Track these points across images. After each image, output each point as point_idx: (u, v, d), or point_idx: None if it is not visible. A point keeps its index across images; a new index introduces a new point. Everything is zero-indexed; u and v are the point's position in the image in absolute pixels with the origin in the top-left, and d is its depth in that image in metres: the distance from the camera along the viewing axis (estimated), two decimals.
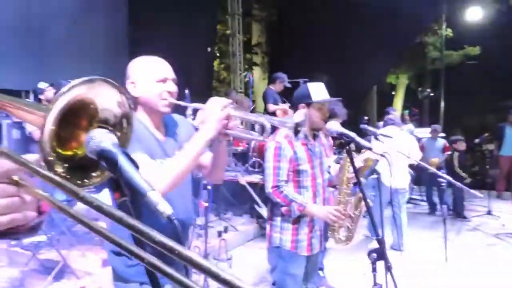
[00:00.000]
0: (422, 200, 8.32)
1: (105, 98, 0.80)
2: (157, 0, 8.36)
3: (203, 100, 1.77)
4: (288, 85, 6.84)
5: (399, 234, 5.31)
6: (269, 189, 2.58)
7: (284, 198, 2.55)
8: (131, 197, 0.79)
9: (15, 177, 0.67)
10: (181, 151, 1.65)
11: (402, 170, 5.20)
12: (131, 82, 1.74)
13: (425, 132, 8.93)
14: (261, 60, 13.49)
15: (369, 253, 1.95)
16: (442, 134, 8.61)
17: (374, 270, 1.93)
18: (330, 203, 2.82)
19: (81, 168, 0.78)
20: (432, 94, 17.00)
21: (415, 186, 8.60)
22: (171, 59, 1.86)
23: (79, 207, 0.80)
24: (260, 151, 6.80)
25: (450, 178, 3.05)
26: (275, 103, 6.63)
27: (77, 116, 0.78)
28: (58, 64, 6.82)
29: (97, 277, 3.92)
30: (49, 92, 4.65)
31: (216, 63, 13.32)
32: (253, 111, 8.17)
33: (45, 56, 6.68)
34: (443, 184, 4.53)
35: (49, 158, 0.72)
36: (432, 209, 7.68)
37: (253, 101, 10.49)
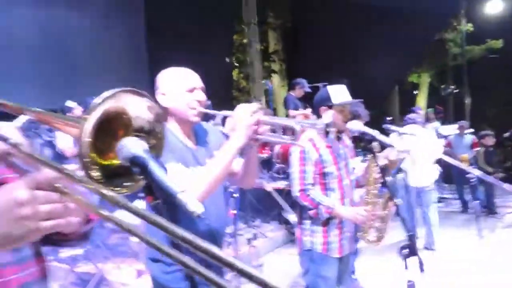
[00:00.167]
0: (453, 199, 8.12)
1: (136, 106, 0.84)
2: (173, 16, 8.56)
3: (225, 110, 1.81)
4: (308, 90, 6.86)
5: (429, 233, 5.20)
6: (296, 193, 2.59)
7: (311, 201, 2.55)
8: (166, 203, 0.83)
9: (58, 185, 0.72)
10: (213, 159, 1.68)
11: (426, 168, 5.11)
12: (161, 93, 1.79)
13: (451, 129, 8.73)
14: (279, 67, 13.54)
15: (400, 250, 1.93)
16: (470, 130, 8.40)
17: (406, 267, 1.91)
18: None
19: (116, 176, 0.82)
20: (456, 91, 16.61)
21: (446, 185, 8.40)
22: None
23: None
24: (284, 157, 6.80)
25: (479, 173, 2.98)
26: (296, 108, 6.65)
27: (113, 127, 0.83)
28: (82, 82, 7.06)
29: None
30: (77, 110, 4.81)
31: (235, 72, 13.46)
32: None
33: (69, 75, 6.93)
34: (473, 180, 4.42)
35: (87, 166, 0.77)
36: (465, 207, 7.48)
37: (274, 109, 10.52)
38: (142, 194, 0.89)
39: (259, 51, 11.27)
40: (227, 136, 1.74)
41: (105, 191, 0.70)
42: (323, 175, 2.61)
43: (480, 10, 14.23)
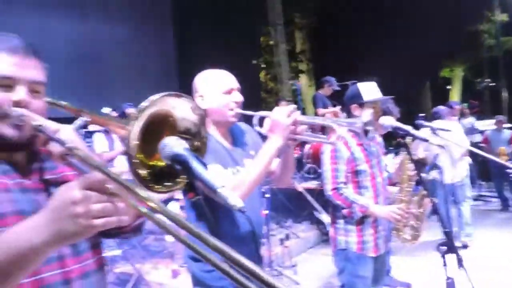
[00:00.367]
0: (492, 196, 7.81)
1: (181, 109, 0.89)
2: (201, 20, 8.70)
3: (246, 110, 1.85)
4: (337, 88, 6.81)
5: (463, 230, 5.09)
6: (328, 191, 2.58)
7: (345, 200, 2.54)
8: (207, 201, 0.86)
9: (109, 187, 0.77)
10: (253, 160, 1.72)
11: (456, 163, 4.98)
12: (199, 96, 1.84)
13: (488, 124, 8.43)
14: (306, 67, 13.49)
15: (438, 246, 1.89)
16: (508, 125, 8.07)
17: (444, 264, 1.87)
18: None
19: (162, 176, 0.87)
20: (492, 84, 15.99)
21: (483, 182, 8.11)
22: None
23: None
24: (314, 157, 6.78)
25: None
26: (325, 107, 6.61)
27: (159, 129, 0.88)
28: (115, 89, 7.30)
29: None
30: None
31: (262, 74, 13.51)
32: None
33: (103, 83, 7.17)
34: None
35: (134, 166, 0.82)
36: (504, 205, 7.19)
37: (303, 109, 10.49)
38: (176, 197, 0.94)
39: (286, 51, 11.28)
40: (264, 137, 1.78)
41: (151, 203, 0.75)
42: (356, 173, 2.59)
43: None
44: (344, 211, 2.59)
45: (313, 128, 1.82)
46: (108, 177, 0.78)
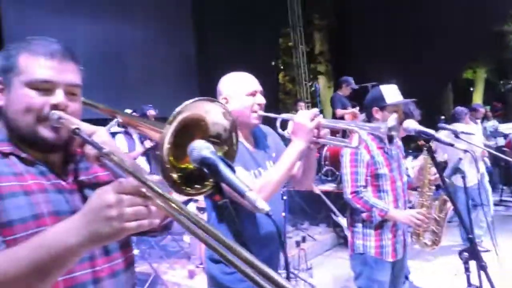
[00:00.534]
0: None
1: (213, 114, 0.91)
2: (220, 22, 8.75)
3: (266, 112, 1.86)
4: (355, 87, 6.74)
5: (484, 234, 5.00)
6: (348, 195, 2.57)
7: (364, 203, 2.52)
8: (232, 204, 0.88)
9: (143, 190, 0.80)
10: (276, 163, 1.73)
11: (473, 166, 4.89)
12: (223, 98, 1.86)
13: None
14: (325, 69, 13.42)
15: (460, 253, 1.86)
16: None
17: (467, 270, 1.84)
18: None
19: (192, 178, 0.89)
20: None
21: (504, 187, 7.91)
22: None
23: None
24: (332, 159, 6.74)
25: None
26: (344, 107, 6.56)
27: (191, 133, 0.90)
28: (135, 90, 7.40)
29: None
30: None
31: (280, 75, 13.51)
32: None
33: (123, 83, 7.29)
34: None
35: (166, 168, 0.84)
36: None
37: (321, 111, 10.43)
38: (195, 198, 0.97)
39: (304, 53, 11.25)
40: (284, 139, 1.79)
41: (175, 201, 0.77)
42: (375, 177, 2.57)
43: None
44: (363, 215, 2.57)
45: (332, 131, 1.82)
46: (140, 181, 0.81)
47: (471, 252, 1.80)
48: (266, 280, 0.63)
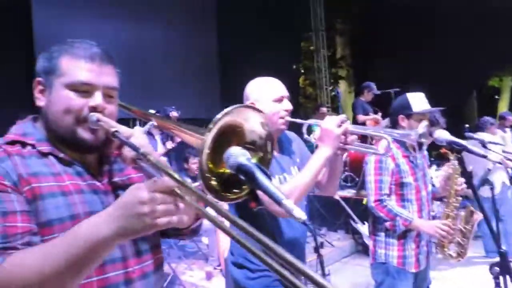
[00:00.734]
0: None
1: (251, 122, 0.92)
2: (244, 23, 8.78)
3: (291, 117, 1.86)
4: (377, 92, 6.67)
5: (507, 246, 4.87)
6: (371, 203, 2.54)
7: (388, 212, 2.49)
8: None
9: (174, 189, 0.83)
10: (302, 169, 1.73)
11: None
12: (250, 103, 1.87)
13: None
14: (346, 73, 13.33)
15: (491, 267, 1.81)
16: None
17: (497, 285, 1.79)
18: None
19: (229, 184, 0.90)
20: None
21: None
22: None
23: None
24: (353, 165, 6.67)
25: None
26: (366, 113, 6.49)
27: (228, 139, 0.91)
28: (158, 92, 7.48)
29: None
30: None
31: (301, 79, 13.47)
32: None
33: (146, 84, 7.38)
34: None
35: (206, 175, 0.85)
36: None
37: None
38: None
39: (326, 57, 11.19)
40: (308, 145, 1.79)
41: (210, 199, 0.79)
42: (400, 185, 2.53)
43: None
44: (386, 224, 2.54)
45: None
46: (176, 181, 0.83)
47: (503, 266, 1.75)
48: (310, 281, 0.62)
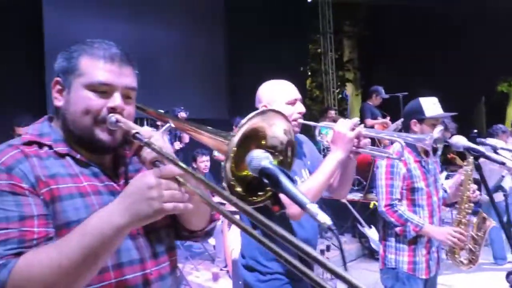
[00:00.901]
0: None
1: (275, 127, 0.92)
2: (252, 24, 8.80)
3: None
4: (386, 96, 6.66)
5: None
6: (382, 207, 2.52)
7: (399, 217, 2.47)
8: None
9: (179, 177, 0.88)
10: (315, 171, 1.72)
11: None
12: (263, 105, 1.86)
13: None
14: (353, 76, 13.30)
15: (508, 275, 1.79)
16: None
17: None
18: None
19: (252, 188, 0.89)
20: None
21: None
22: (265, 81, 1.97)
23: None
24: (360, 169, 6.63)
25: None
26: (374, 117, 6.47)
27: (249, 143, 0.91)
28: (166, 92, 7.50)
29: None
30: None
31: (308, 81, 13.46)
32: None
33: (153, 84, 7.40)
34: None
35: (230, 178, 0.85)
36: None
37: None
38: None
39: (333, 60, 11.18)
40: (324, 148, 1.78)
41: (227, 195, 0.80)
42: (412, 190, 2.51)
43: None
44: (397, 229, 2.51)
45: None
46: (182, 171, 0.87)
47: None
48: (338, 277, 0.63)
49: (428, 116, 2.48)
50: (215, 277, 4.30)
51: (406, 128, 2.65)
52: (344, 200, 5.94)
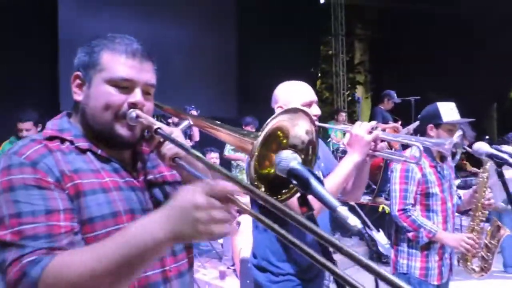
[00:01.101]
0: None
1: (299, 128, 0.91)
2: (263, 26, 8.80)
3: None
4: (398, 101, 6.64)
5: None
6: (395, 211, 2.50)
7: (412, 223, 2.45)
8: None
9: (230, 195, 0.79)
10: (331, 174, 1.72)
11: None
12: (278, 106, 1.86)
13: None
14: (363, 79, 13.26)
15: None
16: None
17: None
18: None
19: (274, 186, 0.89)
20: None
21: None
22: (275, 81, 1.96)
23: None
24: (369, 172, 6.60)
25: None
26: (385, 121, 6.44)
27: (270, 141, 0.90)
28: (176, 90, 7.52)
29: None
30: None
31: (318, 83, 13.43)
32: None
33: (167, 83, 7.42)
34: None
35: (254, 177, 0.84)
36: None
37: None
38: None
39: (345, 62, 11.15)
40: (338, 151, 1.77)
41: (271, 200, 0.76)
42: (426, 195, 2.49)
43: None
44: (409, 234, 2.49)
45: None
46: (238, 188, 0.79)
47: None
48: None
49: (445, 121, 2.45)
50: (222, 276, 4.30)
51: (421, 132, 2.62)
52: (352, 203, 5.92)
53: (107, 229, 0.98)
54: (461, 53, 10.02)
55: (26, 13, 6.18)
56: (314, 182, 0.80)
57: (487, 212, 2.52)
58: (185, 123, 1.22)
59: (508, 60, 9.71)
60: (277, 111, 1.86)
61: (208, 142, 5.67)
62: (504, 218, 4.57)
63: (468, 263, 2.60)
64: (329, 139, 6.51)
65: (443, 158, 2.62)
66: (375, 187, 6.32)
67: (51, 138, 1.04)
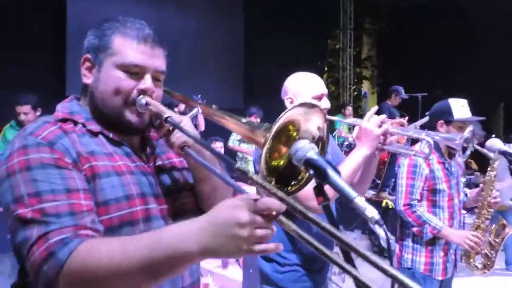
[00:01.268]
0: None
1: (311, 123, 0.91)
2: (272, 18, 8.75)
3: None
4: (405, 97, 6.61)
5: None
6: (400, 206, 2.50)
7: (417, 218, 2.45)
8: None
9: (276, 214, 0.75)
10: (339, 166, 1.71)
11: None
12: (288, 98, 1.86)
13: None
14: (370, 74, 13.18)
15: None
16: None
17: None
18: None
19: (284, 177, 0.89)
20: None
21: None
22: (281, 73, 1.95)
23: None
24: None
25: None
26: (392, 117, 6.41)
27: (282, 133, 0.90)
28: (183, 79, 7.51)
29: (217, 276, 4.18)
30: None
31: (324, 76, 13.37)
32: None
33: (173, 72, 7.42)
34: None
35: (264, 169, 0.85)
36: None
37: (361, 116, 10.24)
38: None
39: (352, 56, 11.08)
40: (346, 144, 1.77)
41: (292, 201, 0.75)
42: (433, 191, 2.49)
43: None
44: (414, 230, 2.50)
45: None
46: (281, 206, 0.75)
47: None
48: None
49: (456, 118, 2.44)
50: (225, 264, 4.32)
51: (430, 128, 2.61)
52: None
53: (121, 212, 0.98)
54: (470, 51, 9.94)
55: (34, 2, 6.18)
56: (331, 172, 0.80)
57: (492, 210, 2.53)
58: (193, 111, 1.22)
59: None
60: (287, 102, 1.87)
61: (212, 132, 5.68)
62: (509, 216, 4.56)
63: (471, 260, 2.61)
64: (334, 133, 6.52)
65: (451, 155, 2.62)
66: (379, 182, 6.32)
67: (64, 120, 1.04)
